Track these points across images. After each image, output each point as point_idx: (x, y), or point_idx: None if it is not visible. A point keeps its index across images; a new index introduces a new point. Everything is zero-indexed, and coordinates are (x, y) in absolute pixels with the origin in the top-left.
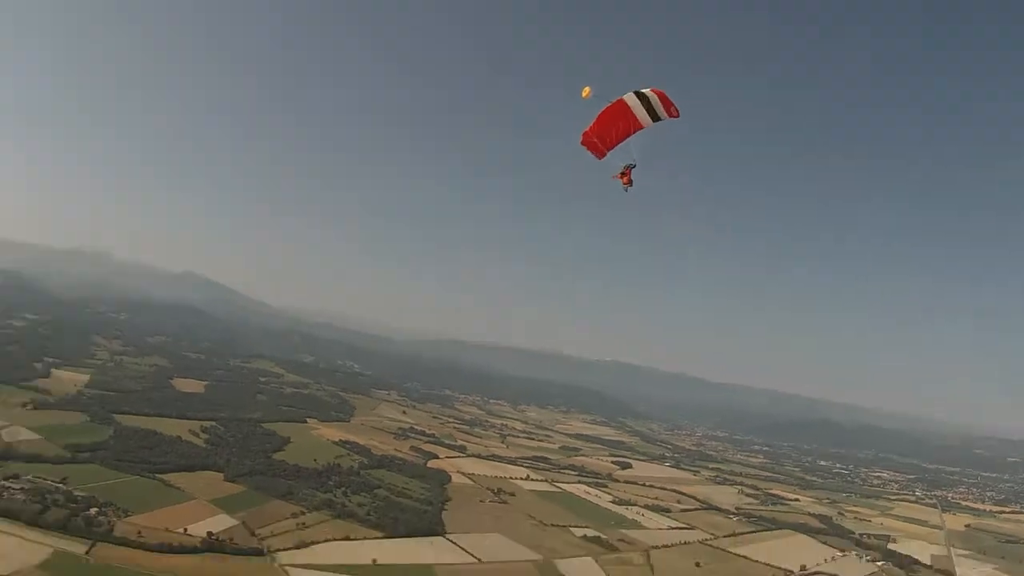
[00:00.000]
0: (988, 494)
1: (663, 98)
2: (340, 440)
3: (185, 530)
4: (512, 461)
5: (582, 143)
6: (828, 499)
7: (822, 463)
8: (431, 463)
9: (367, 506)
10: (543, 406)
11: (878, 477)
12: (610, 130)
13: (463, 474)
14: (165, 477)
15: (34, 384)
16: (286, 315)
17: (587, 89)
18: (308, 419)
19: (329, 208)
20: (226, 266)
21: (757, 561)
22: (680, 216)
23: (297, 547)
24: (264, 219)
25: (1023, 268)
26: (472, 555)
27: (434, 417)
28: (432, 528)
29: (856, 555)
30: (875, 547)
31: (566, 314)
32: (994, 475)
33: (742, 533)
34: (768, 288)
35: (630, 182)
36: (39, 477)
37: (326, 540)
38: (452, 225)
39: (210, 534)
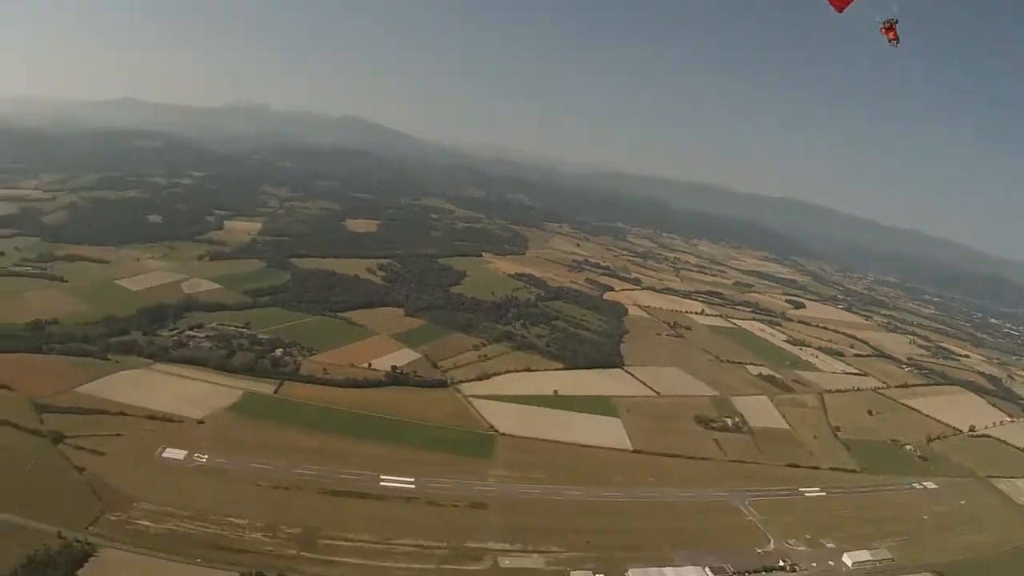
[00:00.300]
0: None
1: None
2: (516, 273)
3: (370, 365)
4: (687, 295)
5: None
6: (998, 359)
7: (993, 321)
8: (607, 295)
9: (546, 338)
10: (715, 241)
11: None
12: None
13: (639, 307)
14: (346, 315)
15: (208, 237)
16: (451, 152)
17: None
18: (483, 253)
19: (490, 44)
20: (386, 107)
21: (928, 416)
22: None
23: (479, 379)
24: (421, 56)
25: None
26: (651, 388)
27: (607, 249)
28: (611, 360)
29: None
30: None
31: (736, 147)
32: None
33: (913, 385)
34: (955, 135)
35: (896, 38)
36: (223, 324)
37: (507, 372)
38: (623, 60)
39: (394, 368)
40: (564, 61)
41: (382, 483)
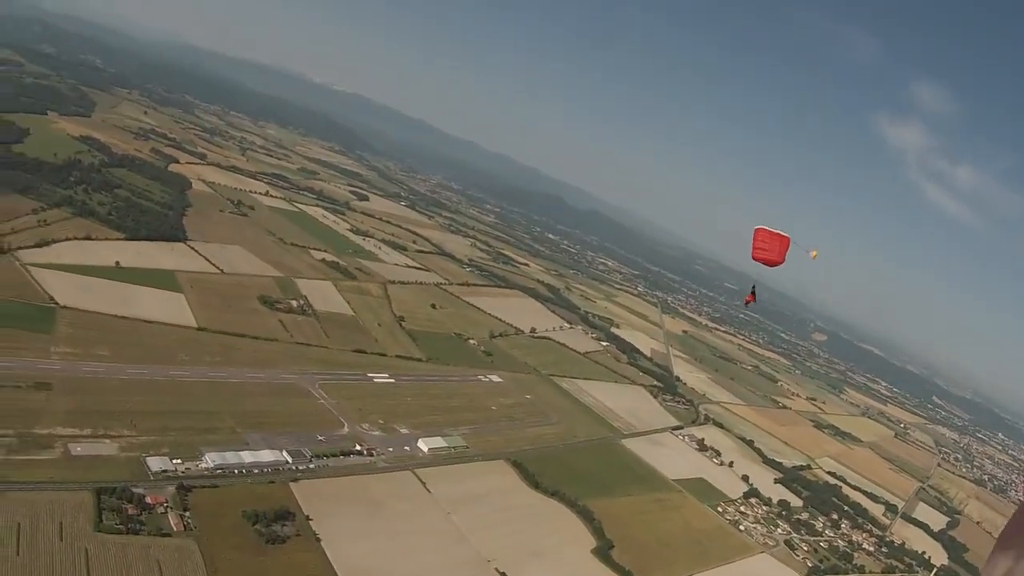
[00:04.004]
0: (705, 309)
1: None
2: (81, 136)
3: None
4: (252, 175)
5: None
6: (556, 271)
7: (551, 236)
8: (172, 167)
9: (108, 205)
10: (283, 125)
11: (603, 263)
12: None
13: (204, 182)
14: None
15: None
16: (22, 2)
17: (815, 252)
18: (48, 112)
19: None
20: None
21: (490, 314)
22: None
23: (38, 245)
24: None
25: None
26: (214, 264)
27: (176, 121)
28: (173, 233)
29: (583, 330)
30: (600, 327)
31: (314, 35)
32: (711, 294)
33: (475, 284)
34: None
35: (750, 301)
36: None
37: (67, 239)
38: None
39: None
40: None
41: None
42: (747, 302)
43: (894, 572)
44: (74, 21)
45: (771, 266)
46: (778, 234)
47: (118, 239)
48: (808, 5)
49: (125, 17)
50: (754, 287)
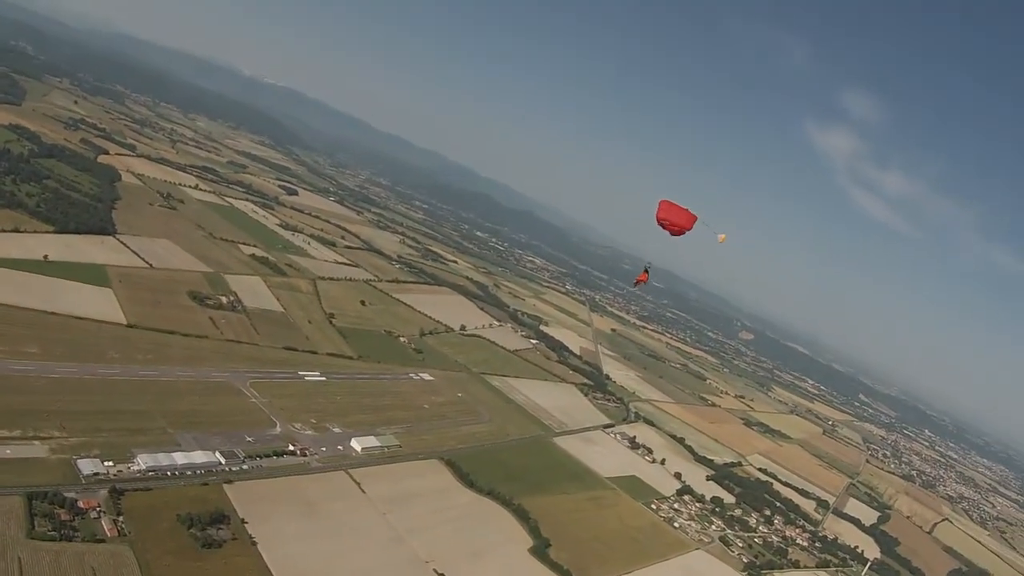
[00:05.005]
0: (633, 307)
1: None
2: (11, 124)
3: None
4: (181, 168)
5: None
6: (485, 269)
7: (479, 234)
8: (101, 158)
9: (37, 197)
10: (213, 118)
11: (531, 261)
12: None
13: (133, 174)
14: None
15: None
16: None
17: (723, 236)
18: None
19: None
20: None
21: (420, 312)
22: None
23: None
24: None
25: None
26: (143, 259)
27: (106, 111)
28: (103, 226)
29: (512, 328)
30: (529, 325)
31: (244, 28)
32: (638, 292)
33: (404, 281)
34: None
35: (642, 281)
36: None
37: None
38: None
39: None
40: None
41: None
42: (637, 282)
43: (828, 566)
44: (6, 6)
45: (676, 231)
46: (684, 208)
47: (47, 232)
48: (740, 11)
49: (59, 4)
50: (647, 268)
